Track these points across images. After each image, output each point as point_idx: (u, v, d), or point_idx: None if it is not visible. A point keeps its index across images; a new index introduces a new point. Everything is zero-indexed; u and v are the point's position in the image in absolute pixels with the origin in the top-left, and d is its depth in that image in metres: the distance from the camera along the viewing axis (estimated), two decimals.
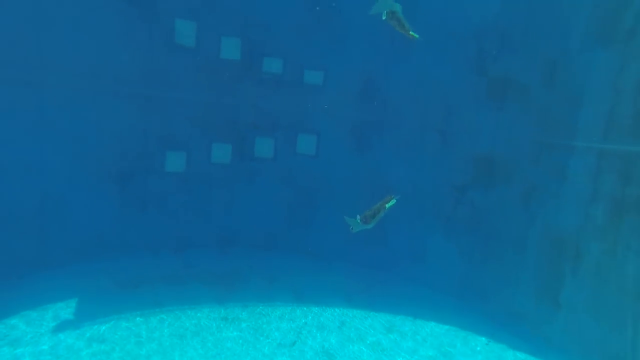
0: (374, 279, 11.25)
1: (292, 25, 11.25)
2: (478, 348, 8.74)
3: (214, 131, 11.42)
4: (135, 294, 9.08)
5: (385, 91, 11.59)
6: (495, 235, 10.08)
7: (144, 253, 10.78)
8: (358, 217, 7.37)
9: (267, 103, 11.65)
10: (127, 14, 9.86)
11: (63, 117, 9.52)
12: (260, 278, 10.55)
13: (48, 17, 8.93)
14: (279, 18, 11.13)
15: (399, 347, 8.49)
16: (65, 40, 9.21)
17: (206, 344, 7.78)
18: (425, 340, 8.83)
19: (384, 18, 6.67)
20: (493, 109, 10.11)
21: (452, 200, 10.90)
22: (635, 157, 7.78)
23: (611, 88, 8.15)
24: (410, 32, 6.71)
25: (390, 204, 7.38)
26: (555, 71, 9.04)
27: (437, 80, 10.88)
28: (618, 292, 7.86)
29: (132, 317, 8.21)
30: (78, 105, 9.68)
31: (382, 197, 7.86)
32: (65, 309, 8.25)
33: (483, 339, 9.01)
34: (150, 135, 10.71)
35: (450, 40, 10.56)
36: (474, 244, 10.49)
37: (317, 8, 11.06)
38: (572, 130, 8.69)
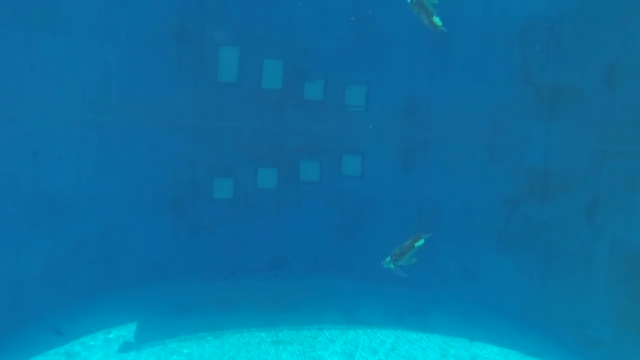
0: (425, 299, 10.89)
1: (333, 47, 11.48)
2: None
3: (260, 157, 11.74)
4: (188, 317, 9.33)
5: (429, 108, 11.46)
6: (556, 251, 9.47)
7: (196, 278, 11.13)
8: (389, 258, 7.29)
9: (310, 126, 11.85)
10: (177, 51, 10.52)
11: (121, 151, 10.20)
12: (311, 300, 10.51)
13: (109, 60, 9.70)
14: (320, 40, 11.39)
15: None
16: (123, 80, 9.94)
17: None
18: None
19: (408, 1, 6.62)
20: (543, 118, 9.68)
21: (503, 215, 10.43)
22: None
23: None
24: (434, 19, 6.56)
25: (420, 243, 7.21)
26: (615, 73, 8.41)
27: (480, 93, 10.63)
28: None
29: (186, 340, 8.42)
30: (133, 139, 10.35)
31: (417, 231, 7.65)
32: (125, 330, 8.65)
33: None
34: (198, 163, 11.20)
35: (492, 49, 10.33)
36: (532, 261, 9.90)
37: (352, 18, 11.23)
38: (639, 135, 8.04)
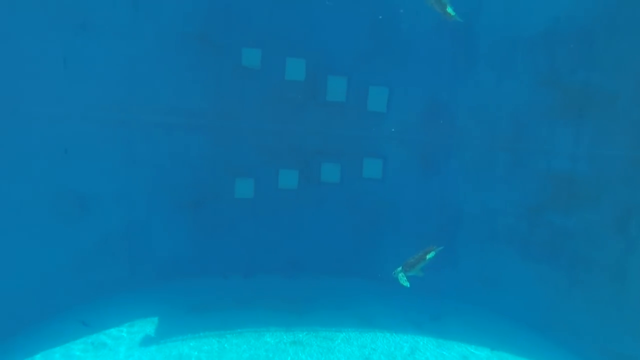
0: (444, 306, 10.74)
1: (355, 49, 11.46)
2: None
3: (281, 158, 11.82)
4: (207, 316, 9.45)
5: (450, 111, 11.31)
6: (584, 262, 9.15)
7: (216, 276, 11.29)
8: (400, 268, 7.29)
9: (332, 128, 11.86)
10: (199, 51, 10.69)
11: (145, 150, 10.42)
12: (328, 303, 10.50)
13: (135, 61, 9.95)
14: (342, 42, 11.39)
15: None
16: (147, 81, 10.16)
17: None
18: None
19: None
20: (570, 123, 9.40)
21: (527, 222, 10.18)
22: None
23: None
24: (448, 10, 6.57)
25: (431, 255, 7.18)
26: None
27: (503, 96, 10.43)
28: None
29: (206, 337, 8.54)
30: (156, 138, 10.56)
31: (430, 243, 7.60)
32: (147, 325, 8.85)
33: None
34: (219, 163, 11.35)
35: (516, 50, 10.11)
36: (558, 271, 9.61)
37: (380, 17, 11.18)
38: None
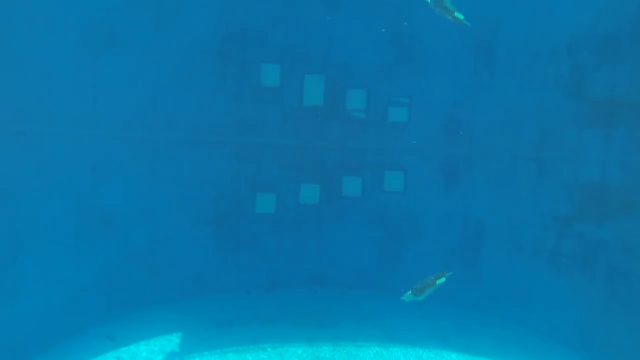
0: (470, 319, 10.38)
1: (374, 61, 11.49)
2: None
3: (302, 172, 11.87)
4: (230, 332, 9.47)
5: (472, 122, 11.13)
6: (621, 275, 8.68)
7: (237, 292, 11.31)
8: (410, 291, 7.17)
9: (353, 142, 11.86)
10: (219, 68, 10.94)
11: (167, 168, 10.66)
12: (350, 317, 10.34)
13: (159, 80, 10.27)
14: (361, 55, 11.45)
15: None
16: (170, 99, 10.46)
17: None
18: None
19: (429, 1, 6.64)
20: (599, 131, 9.05)
21: (555, 233, 9.78)
22: None
23: None
24: (456, 15, 6.56)
25: (441, 280, 7.03)
26: None
27: (526, 106, 10.19)
28: None
29: (228, 353, 8.54)
30: (179, 155, 10.80)
31: (441, 269, 7.43)
32: (170, 340, 8.93)
33: None
34: (241, 179, 11.49)
35: (539, 61, 9.89)
36: (592, 284, 9.14)
37: (383, 30, 11.20)
38: None
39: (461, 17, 6.59)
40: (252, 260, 11.63)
